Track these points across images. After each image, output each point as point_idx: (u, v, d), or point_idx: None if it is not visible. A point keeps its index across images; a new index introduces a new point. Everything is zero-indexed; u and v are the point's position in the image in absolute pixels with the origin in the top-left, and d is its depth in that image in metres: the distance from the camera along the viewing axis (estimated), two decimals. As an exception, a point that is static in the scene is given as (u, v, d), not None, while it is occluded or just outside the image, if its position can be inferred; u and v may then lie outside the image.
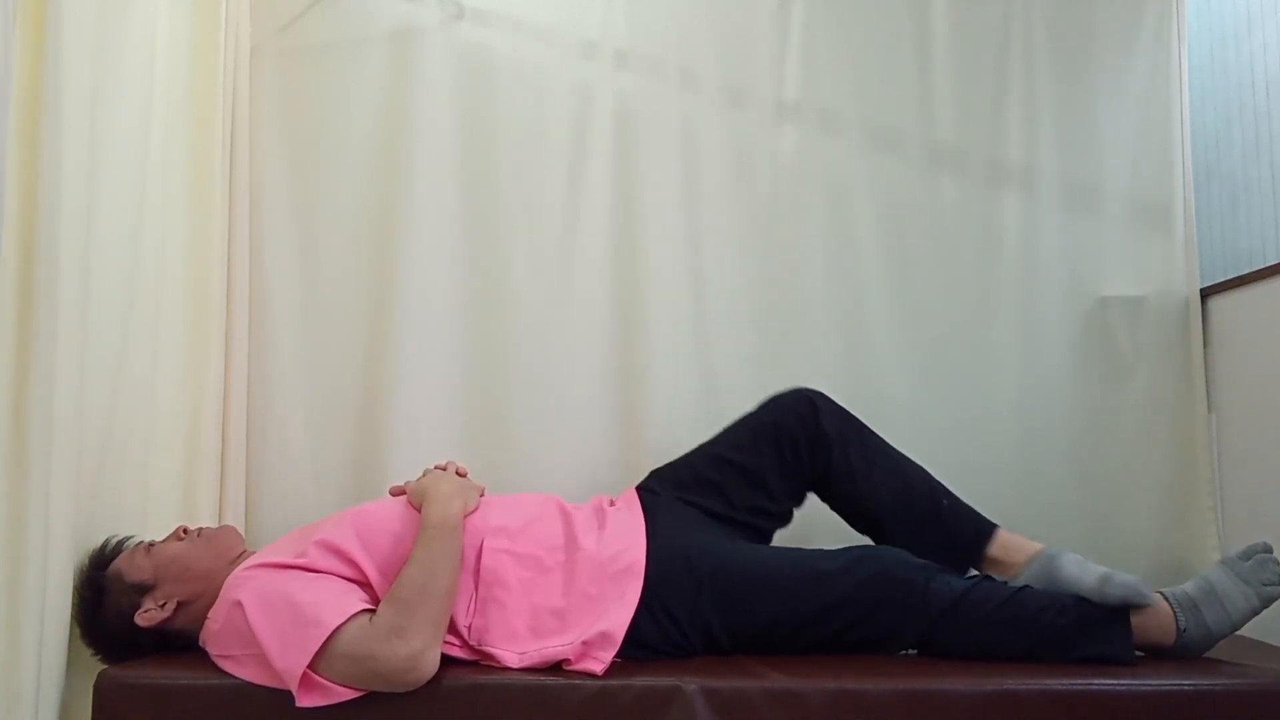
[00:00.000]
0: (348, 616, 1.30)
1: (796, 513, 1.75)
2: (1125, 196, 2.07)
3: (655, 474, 1.75)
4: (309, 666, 1.27)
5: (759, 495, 1.68)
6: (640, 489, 1.71)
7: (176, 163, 1.76)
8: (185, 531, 1.52)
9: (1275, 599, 1.46)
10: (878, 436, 1.70)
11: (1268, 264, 1.85)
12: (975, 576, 1.54)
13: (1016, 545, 1.60)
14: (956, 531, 1.63)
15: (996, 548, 1.61)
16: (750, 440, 1.71)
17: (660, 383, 1.98)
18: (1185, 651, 1.46)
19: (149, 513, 1.63)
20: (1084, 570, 1.48)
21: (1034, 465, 2.03)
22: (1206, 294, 2.03)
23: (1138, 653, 1.47)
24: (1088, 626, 1.43)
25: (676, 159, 2.07)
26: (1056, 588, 1.48)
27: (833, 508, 1.72)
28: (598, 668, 1.35)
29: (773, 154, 2.08)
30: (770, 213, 2.07)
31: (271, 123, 2.02)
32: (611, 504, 1.63)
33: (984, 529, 1.63)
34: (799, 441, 1.68)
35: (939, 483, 1.68)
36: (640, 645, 1.42)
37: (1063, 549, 1.55)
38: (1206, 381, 2.02)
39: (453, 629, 1.40)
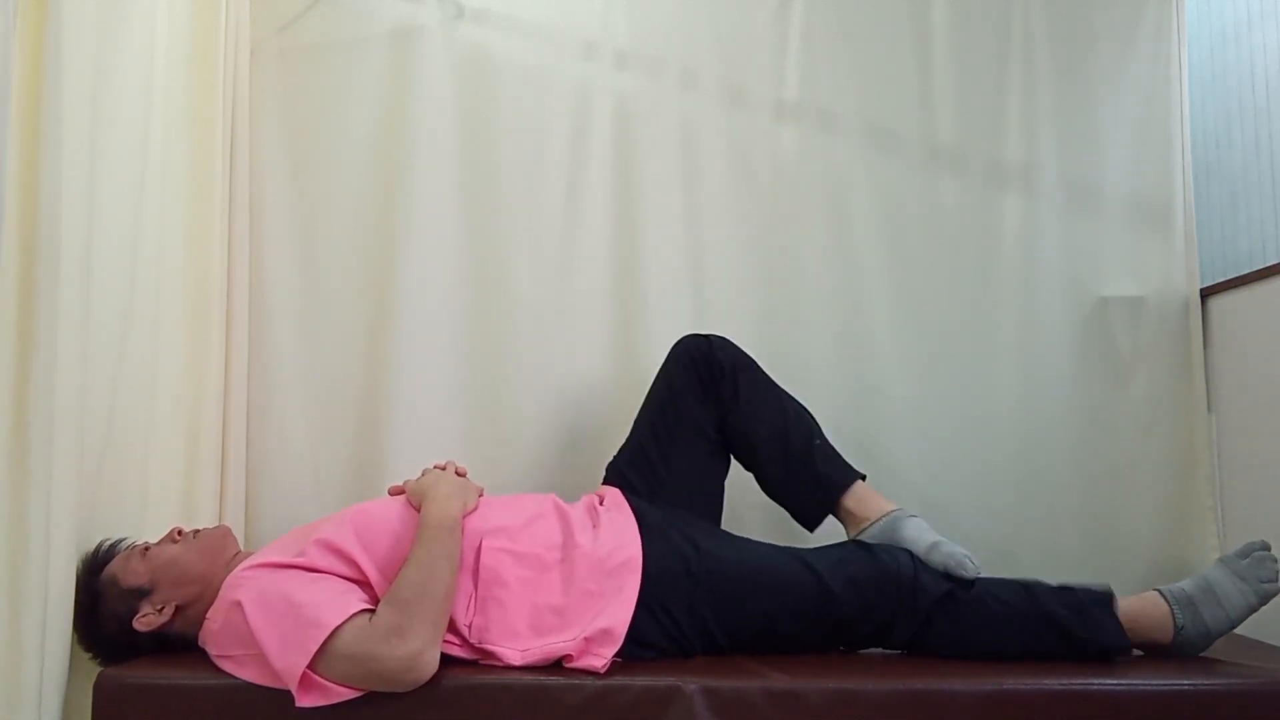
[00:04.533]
0: (347, 616, 1.30)
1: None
2: (1125, 196, 2.07)
3: (611, 465, 1.77)
4: (309, 666, 1.27)
5: (697, 437, 1.72)
6: (612, 484, 1.72)
7: (176, 163, 1.76)
8: (180, 533, 1.51)
9: (1273, 596, 1.46)
10: (770, 378, 1.74)
11: (1268, 264, 1.85)
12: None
13: (871, 501, 1.63)
14: (822, 473, 1.66)
15: (852, 499, 1.64)
16: (665, 385, 1.76)
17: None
18: (1183, 650, 1.47)
19: (149, 512, 1.63)
20: (920, 534, 1.53)
21: (1034, 465, 2.03)
22: (1206, 294, 2.03)
23: (1136, 651, 1.47)
24: (1078, 616, 1.45)
25: (676, 159, 2.07)
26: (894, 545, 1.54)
27: (731, 451, 1.75)
28: (599, 664, 1.35)
29: (773, 154, 2.08)
30: (770, 213, 2.07)
31: (271, 123, 2.03)
32: (601, 502, 1.64)
33: (847, 476, 1.66)
34: (699, 367, 1.73)
35: (817, 425, 1.71)
36: (639, 643, 1.42)
37: (911, 513, 1.59)
38: (1206, 381, 2.02)
39: (453, 628, 1.40)
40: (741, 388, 1.71)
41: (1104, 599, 1.47)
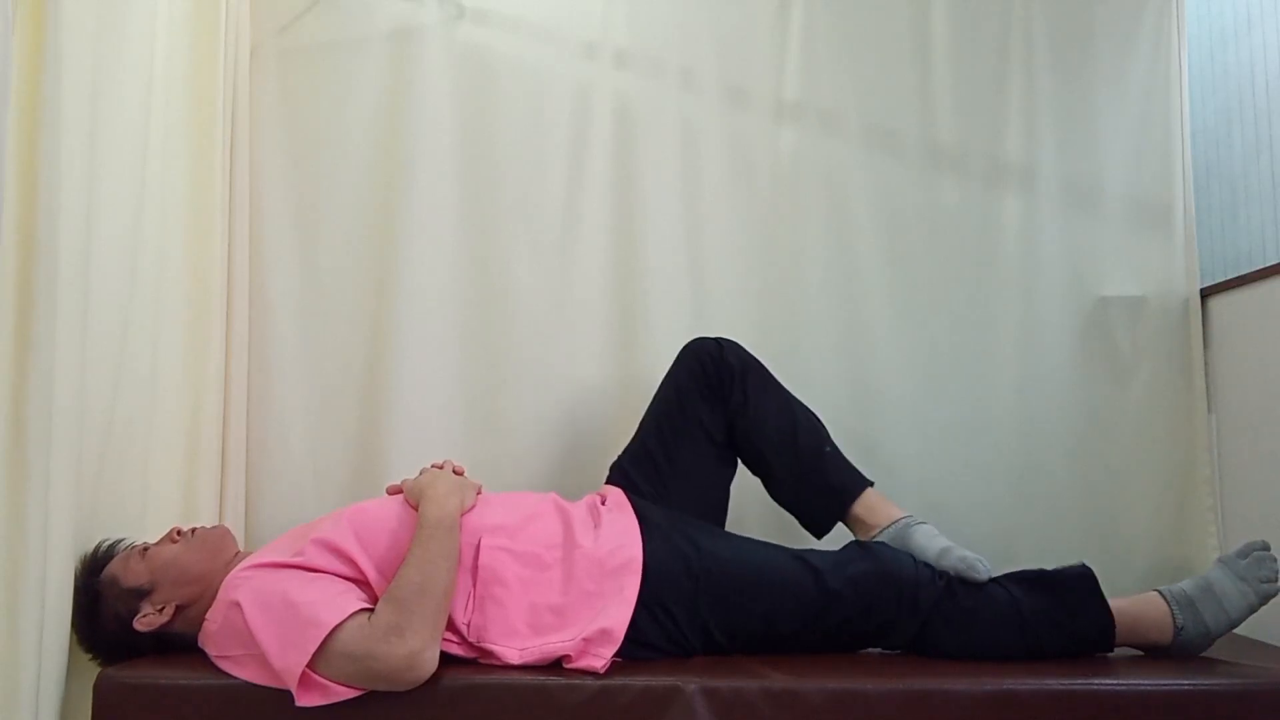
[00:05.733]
0: (346, 616, 1.30)
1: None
2: (1125, 196, 2.07)
3: (616, 465, 1.77)
4: (308, 666, 1.28)
5: (702, 440, 1.72)
6: (616, 484, 1.72)
7: (176, 163, 1.76)
8: (179, 533, 1.51)
9: (1273, 596, 1.46)
10: (780, 384, 1.74)
11: (1268, 264, 1.84)
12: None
13: (881, 508, 1.63)
14: (833, 480, 1.66)
15: (861, 506, 1.64)
16: (673, 389, 1.76)
17: (659, 382, 1.98)
18: (1183, 650, 1.47)
19: (149, 512, 1.63)
20: (931, 541, 1.54)
21: (1034, 465, 2.02)
22: (1206, 294, 2.03)
23: (1136, 651, 1.47)
24: (1073, 611, 1.46)
25: (676, 159, 2.07)
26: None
27: (739, 455, 1.75)
28: (598, 664, 1.35)
29: (773, 154, 2.08)
30: (770, 213, 2.07)
31: (271, 123, 2.03)
32: (603, 501, 1.64)
33: (857, 484, 1.66)
34: (708, 371, 1.73)
35: (827, 432, 1.71)
36: (639, 643, 1.42)
37: (921, 520, 1.60)
38: (1206, 381, 2.01)
39: (451, 627, 1.40)
40: (751, 392, 1.71)
41: (1085, 577, 1.48)
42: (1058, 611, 1.46)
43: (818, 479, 1.67)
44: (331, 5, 2.05)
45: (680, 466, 1.71)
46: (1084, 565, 1.50)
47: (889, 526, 1.59)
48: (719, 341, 1.75)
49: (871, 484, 1.67)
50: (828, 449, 1.69)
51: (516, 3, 2.08)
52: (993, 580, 1.50)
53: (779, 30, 2.10)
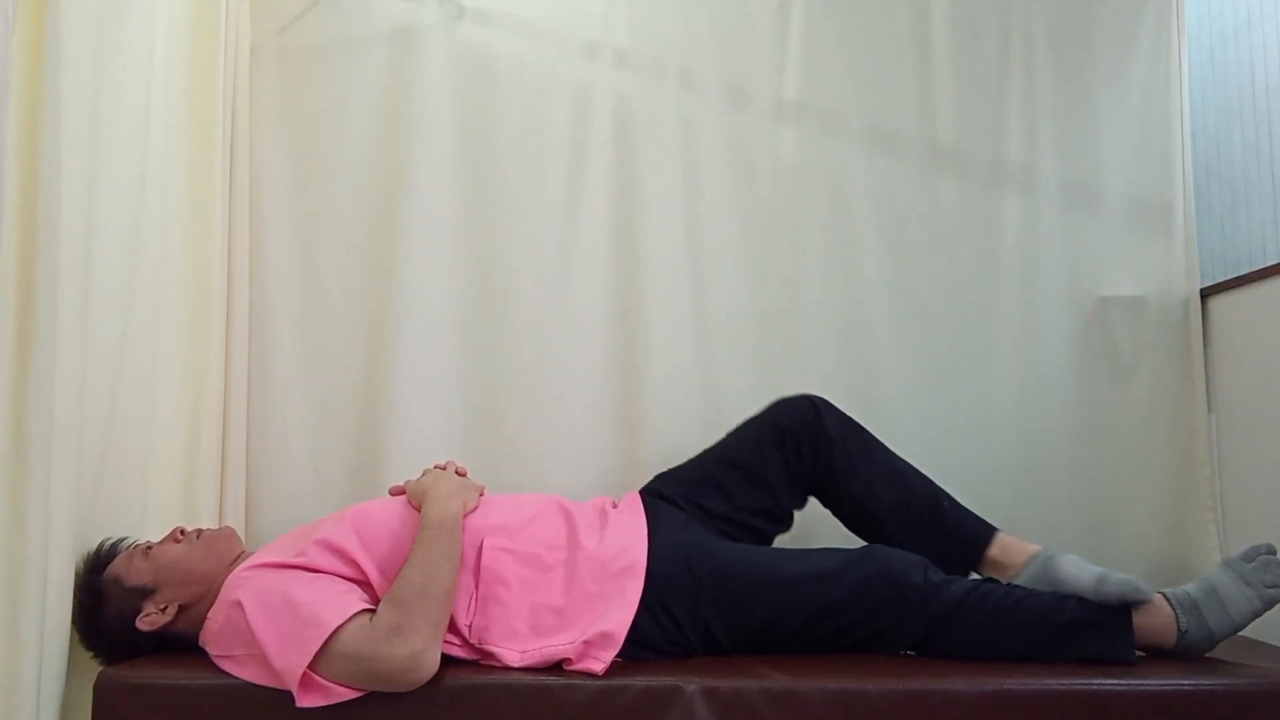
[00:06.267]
0: (348, 616, 1.30)
1: (797, 514, 1.75)
2: (1125, 196, 2.07)
3: (660, 476, 1.76)
4: (309, 666, 1.28)
5: (762, 495, 1.69)
6: (645, 492, 1.71)
7: (176, 163, 1.76)
8: (183, 533, 1.51)
9: (1277, 601, 1.45)
10: (879, 442, 1.71)
11: (1268, 264, 1.84)
12: (975, 578, 1.54)
13: (1016, 547, 1.60)
14: (957, 534, 1.63)
15: (996, 549, 1.61)
16: (754, 441, 1.72)
17: (660, 382, 1.98)
18: (1186, 653, 1.46)
19: (149, 512, 1.63)
20: (1082, 570, 1.48)
21: (1034, 465, 2.02)
22: (1206, 294, 2.03)
23: (1139, 652, 1.47)
24: (1089, 627, 1.43)
25: (676, 159, 2.07)
26: (1055, 588, 1.48)
27: (834, 512, 1.73)
28: (598, 667, 1.35)
29: (773, 154, 2.08)
30: (770, 213, 2.07)
31: (271, 123, 2.02)
32: (614, 506, 1.63)
33: (984, 532, 1.63)
34: (802, 442, 1.69)
35: (939, 487, 1.68)
36: (641, 645, 1.42)
37: (1061, 550, 1.56)
38: (1206, 381, 2.01)
39: (453, 628, 1.40)
40: (856, 462, 1.67)
41: (1125, 617, 1.44)
42: (1086, 633, 1.43)
43: (939, 539, 1.62)
44: (331, 5, 2.05)
45: (738, 504, 1.68)
46: (1135, 593, 1.44)
47: (1029, 564, 1.55)
48: (816, 405, 1.71)
49: (997, 530, 1.63)
50: (945, 505, 1.66)
51: (516, 3, 2.08)
52: (1017, 590, 1.48)
53: (779, 30, 2.10)
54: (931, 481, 1.69)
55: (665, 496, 1.68)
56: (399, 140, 2.01)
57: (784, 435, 1.70)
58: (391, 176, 2.01)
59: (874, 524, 1.67)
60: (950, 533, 1.63)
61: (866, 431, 1.71)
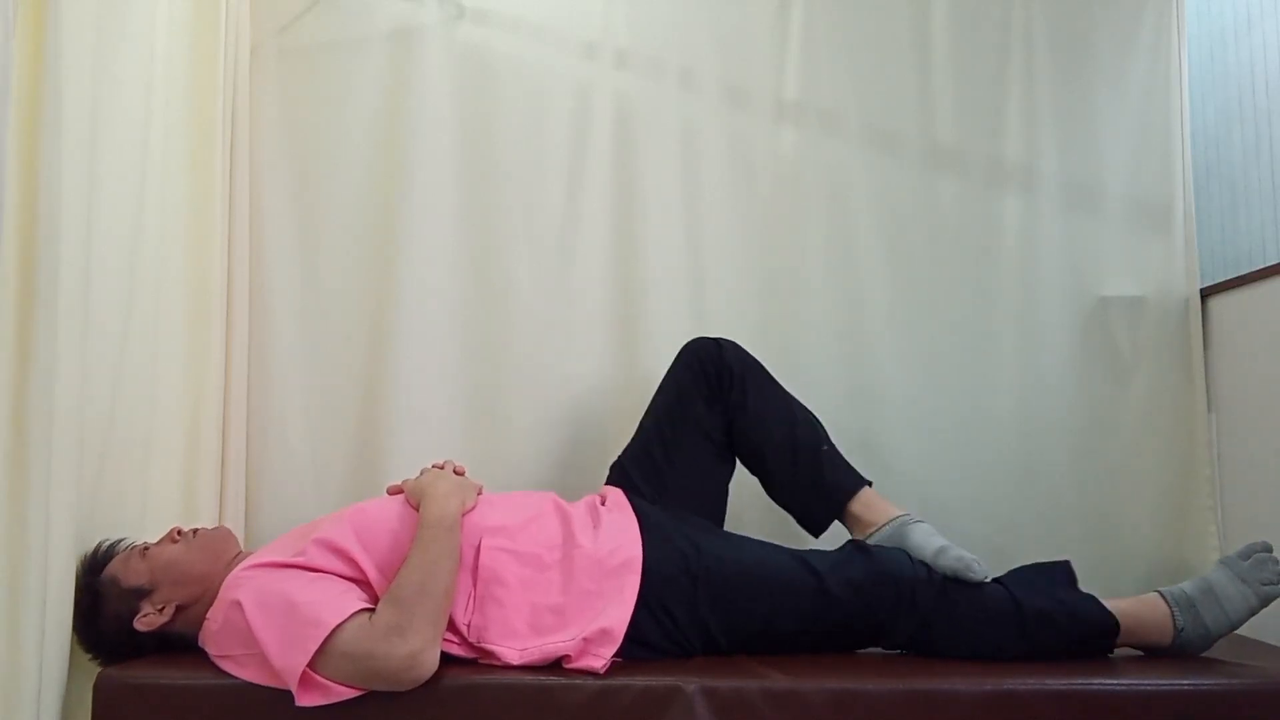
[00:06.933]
0: (347, 616, 1.30)
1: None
2: (1125, 196, 2.07)
3: (616, 464, 1.77)
4: (308, 666, 1.28)
5: (700, 441, 1.72)
6: (616, 484, 1.72)
7: (176, 163, 1.76)
8: (180, 533, 1.51)
9: (1274, 598, 1.46)
10: (777, 382, 1.75)
11: (1268, 264, 1.84)
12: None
13: (880, 507, 1.64)
14: (829, 478, 1.67)
15: (859, 504, 1.64)
16: (675, 389, 1.76)
17: (659, 381, 1.98)
18: (1183, 651, 1.47)
19: (149, 512, 1.63)
20: (927, 541, 1.53)
21: (1034, 465, 2.02)
22: (1206, 294, 2.03)
23: (1136, 652, 1.47)
24: (1069, 618, 1.47)
25: (676, 159, 2.07)
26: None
27: (736, 452, 1.75)
28: (598, 664, 1.35)
29: (773, 154, 2.08)
30: (770, 213, 2.07)
31: (271, 123, 2.02)
32: (602, 502, 1.64)
33: (852, 483, 1.67)
34: (710, 375, 1.73)
35: (825, 431, 1.71)
36: (640, 643, 1.42)
37: (919, 517, 1.60)
38: (1206, 381, 2.01)
39: (452, 627, 1.40)
40: (750, 392, 1.71)
41: (1066, 573, 1.52)
42: (1059, 614, 1.46)
43: (815, 477, 1.67)
44: (331, 5, 2.05)
45: (679, 466, 1.72)
46: (1066, 562, 1.54)
47: (886, 524, 1.60)
48: (718, 342, 1.76)
49: (869, 483, 1.67)
50: (825, 448, 1.69)
51: (516, 3, 2.08)
52: (995, 581, 1.50)
53: (779, 30, 2.10)
54: (821, 427, 1.72)
55: (640, 490, 1.69)
56: (399, 140, 2.01)
57: (693, 368, 1.74)
58: (391, 176, 2.01)
59: (760, 461, 1.71)
60: (823, 476, 1.67)
61: (766, 371, 1.75)
